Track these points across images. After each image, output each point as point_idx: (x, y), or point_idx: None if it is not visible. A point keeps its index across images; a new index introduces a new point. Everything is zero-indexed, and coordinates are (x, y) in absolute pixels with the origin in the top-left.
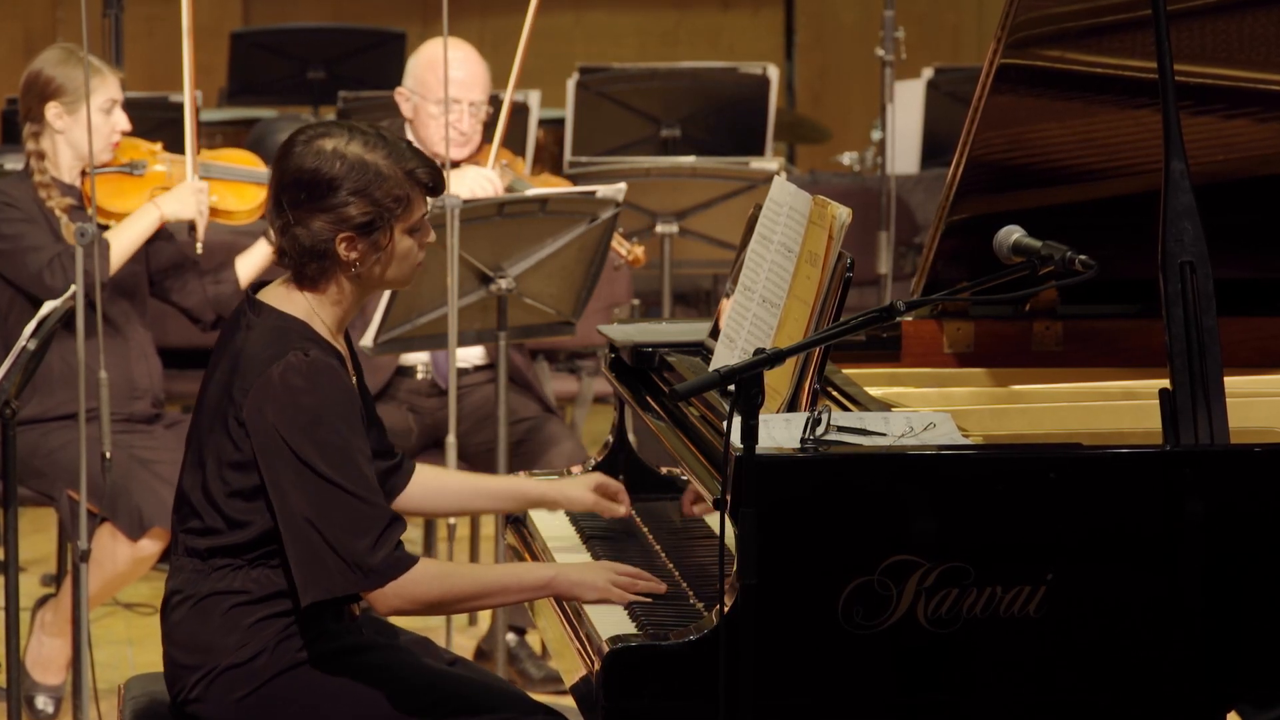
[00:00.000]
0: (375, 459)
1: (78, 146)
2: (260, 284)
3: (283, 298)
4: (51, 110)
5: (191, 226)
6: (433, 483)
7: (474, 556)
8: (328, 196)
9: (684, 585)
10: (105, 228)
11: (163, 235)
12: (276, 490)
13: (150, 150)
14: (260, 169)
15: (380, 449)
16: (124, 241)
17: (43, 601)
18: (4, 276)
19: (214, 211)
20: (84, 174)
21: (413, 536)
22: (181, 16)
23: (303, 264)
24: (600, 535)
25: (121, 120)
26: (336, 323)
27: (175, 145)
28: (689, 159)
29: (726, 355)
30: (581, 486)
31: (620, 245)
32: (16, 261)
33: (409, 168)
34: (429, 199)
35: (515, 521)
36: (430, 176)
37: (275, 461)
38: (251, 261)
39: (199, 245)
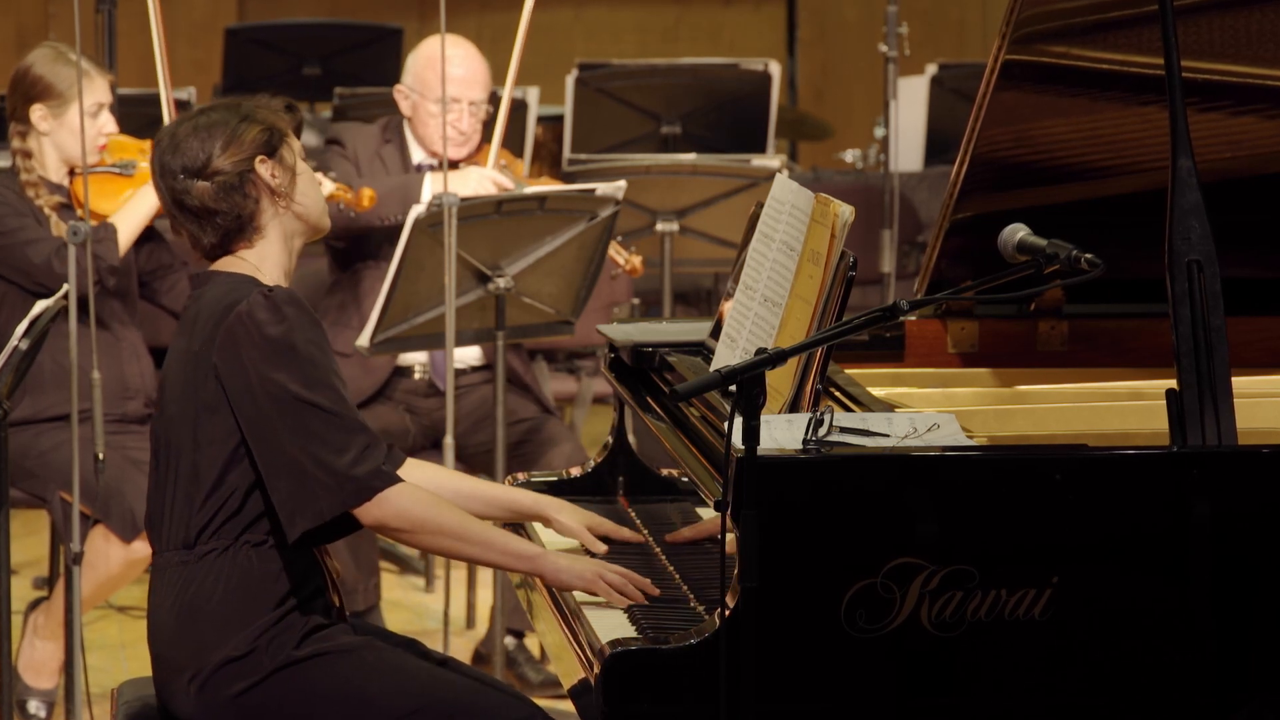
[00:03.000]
0: None
1: (63, 149)
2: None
3: (226, 265)
4: (36, 112)
5: None
6: (428, 481)
7: None
8: (220, 138)
9: (684, 588)
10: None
11: (152, 237)
12: (256, 427)
13: (139, 148)
14: None
15: None
16: (129, 225)
17: (35, 605)
18: (2, 276)
19: None
20: (71, 174)
21: None
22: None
23: (239, 207)
24: (601, 537)
25: (108, 123)
26: (282, 276)
27: None
28: (689, 156)
29: (728, 355)
30: (576, 517)
31: (618, 254)
32: (19, 255)
33: (264, 102)
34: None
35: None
36: (285, 101)
37: (252, 398)
38: None
39: None
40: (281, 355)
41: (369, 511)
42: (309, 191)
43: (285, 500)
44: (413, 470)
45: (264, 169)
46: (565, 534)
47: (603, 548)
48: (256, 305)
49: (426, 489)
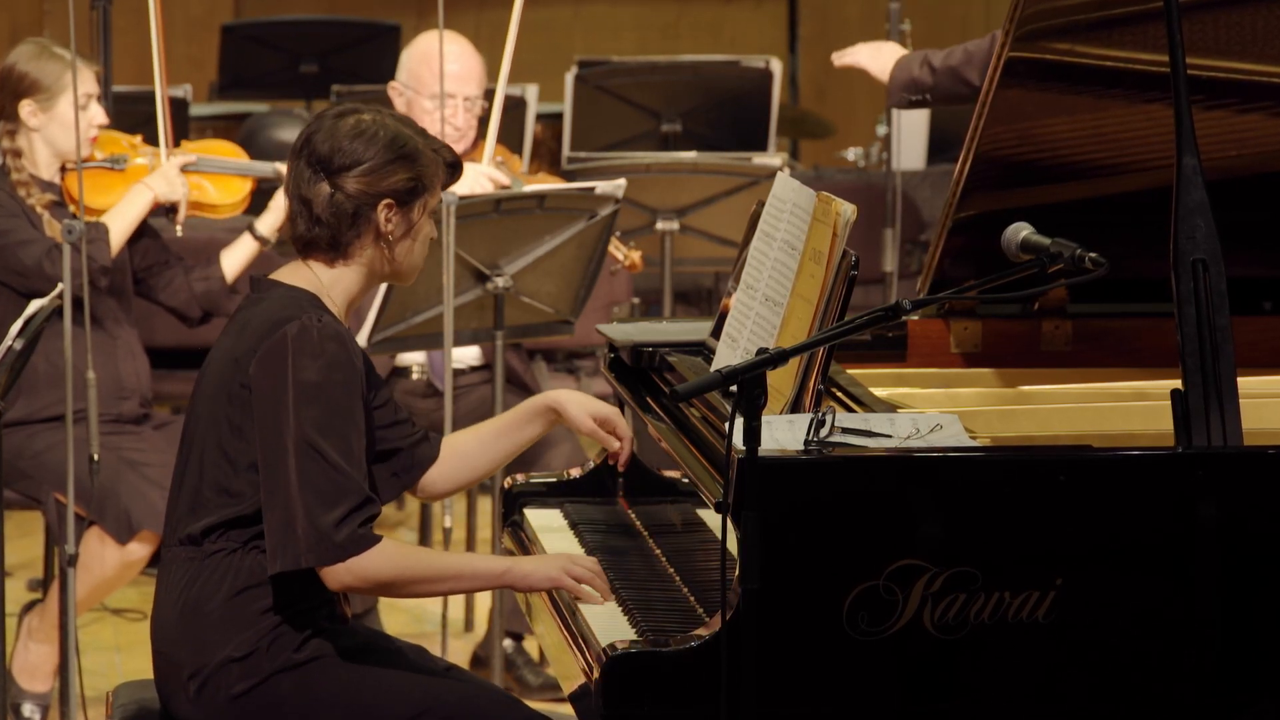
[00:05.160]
0: (397, 428)
1: (55, 144)
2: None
3: (292, 274)
4: (25, 108)
5: (172, 209)
6: (449, 454)
7: None
8: (371, 160)
9: (685, 590)
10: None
11: (146, 233)
12: (267, 452)
13: (131, 144)
14: (244, 161)
15: (399, 419)
16: (121, 225)
17: (29, 607)
18: None
19: (197, 205)
20: (63, 170)
21: (408, 539)
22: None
23: (339, 232)
24: (600, 540)
25: (98, 115)
26: (345, 304)
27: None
28: (690, 154)
29: (728, 355)
30: (583, 409)
31: (617, 250)
32: (11, 256)
33: (435, 147)
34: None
35: (513, 525)
36: (452, 158)
37: (272, 423)
38: (237, 256)
39: (179, 228)
40: (308, 392)
41: (336, 575)
42: (416, 251)
43: (272, 534)
44: (451, 442)
45: (384, 213)
46: (574, 427)
47: (614, 445)
48: (302, 333)
49: (394, 542)
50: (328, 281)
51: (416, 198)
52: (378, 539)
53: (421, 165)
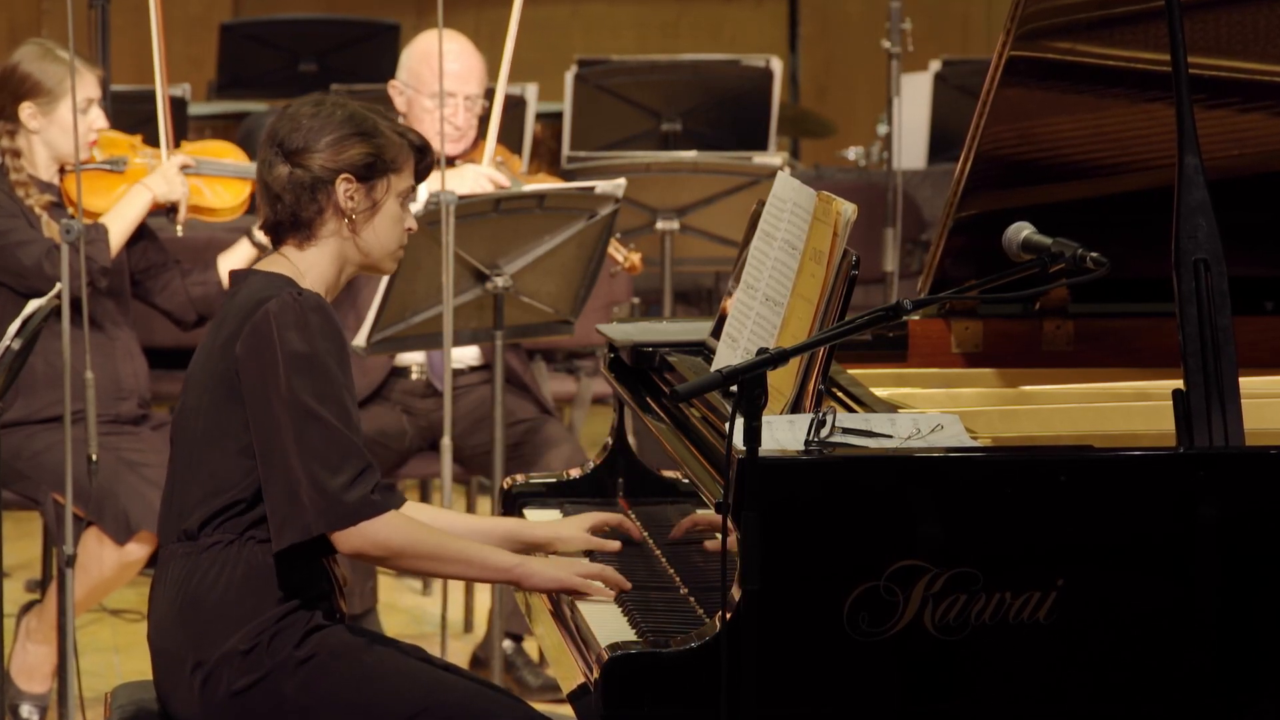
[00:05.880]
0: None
1: (54, 146)
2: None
3: (267, 264)
4: (26, 110)
5: (172, 209)
6: (429, 522)
7: None
8: (328, 136)
9: (685, 590)
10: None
11: (144, 235)
12: (262, 428)
13: (130, 144)
14: (244, 163)
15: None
16: (120, 226)
17: (28, 608)
18: None
19: (196, 208)
20: (62, 171)
21: None
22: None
23: (299, 207)
24: (610, 533)
25: (98, 119)
26: (322, 289)
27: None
28: (690, 154)
29: (729, 355)
30: (576, 527)
31: (617, 251)
32: (10, 257)
33: (399, 130)
34: (416, 175)
35: None
36: (420, 141)
37: (263, 398)
38: (234, 261)
39: (179, 228)
40: (298, 362)
41: (348, 539)
42: (384, 231)
43: (276, 509)
44: (414, 514)
45: (343, 187)
46: (572, 551)
47: (616, 545)
48: (284, 307)
49: (405, 515)
50: (302, 267)
51: (377, 174)
52: (387, 506)
53: (380, 142)
